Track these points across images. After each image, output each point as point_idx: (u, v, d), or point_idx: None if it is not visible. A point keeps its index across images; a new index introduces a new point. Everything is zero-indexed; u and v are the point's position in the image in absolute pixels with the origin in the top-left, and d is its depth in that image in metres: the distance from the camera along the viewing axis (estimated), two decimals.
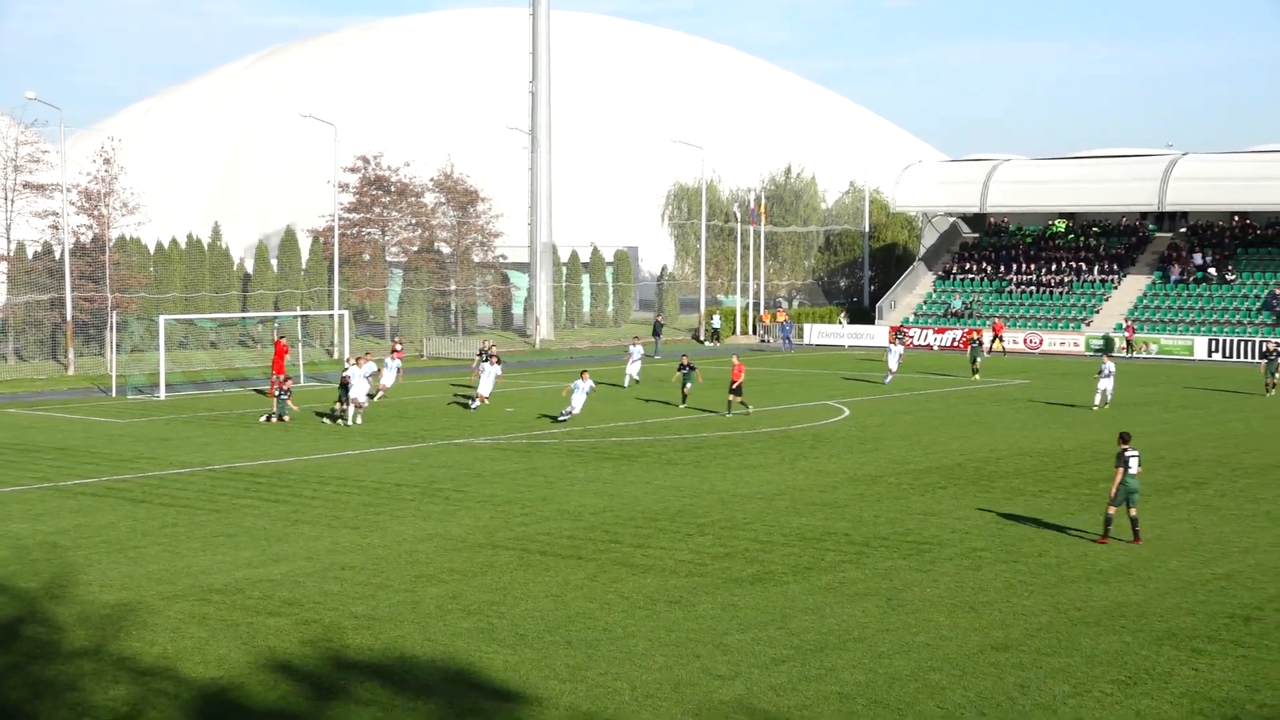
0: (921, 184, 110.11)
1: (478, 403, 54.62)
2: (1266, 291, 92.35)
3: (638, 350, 66.04)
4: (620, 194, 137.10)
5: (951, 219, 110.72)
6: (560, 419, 50.34)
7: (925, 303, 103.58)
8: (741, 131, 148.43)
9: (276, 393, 52.10)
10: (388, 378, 58.34)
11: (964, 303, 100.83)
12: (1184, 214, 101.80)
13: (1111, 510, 29.80)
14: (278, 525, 31.56)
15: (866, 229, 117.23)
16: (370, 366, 52.35)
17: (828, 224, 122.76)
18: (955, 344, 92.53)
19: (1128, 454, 29.66)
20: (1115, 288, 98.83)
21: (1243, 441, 46.38)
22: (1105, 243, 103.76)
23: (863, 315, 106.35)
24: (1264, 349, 65.33)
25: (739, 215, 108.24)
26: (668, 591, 25.39)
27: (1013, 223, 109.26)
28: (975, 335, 76.79)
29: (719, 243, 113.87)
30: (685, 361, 56.52)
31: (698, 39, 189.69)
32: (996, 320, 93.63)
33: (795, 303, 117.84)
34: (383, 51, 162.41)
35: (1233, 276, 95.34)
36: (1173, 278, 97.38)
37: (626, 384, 63.13)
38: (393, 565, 27.46)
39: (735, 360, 54.21)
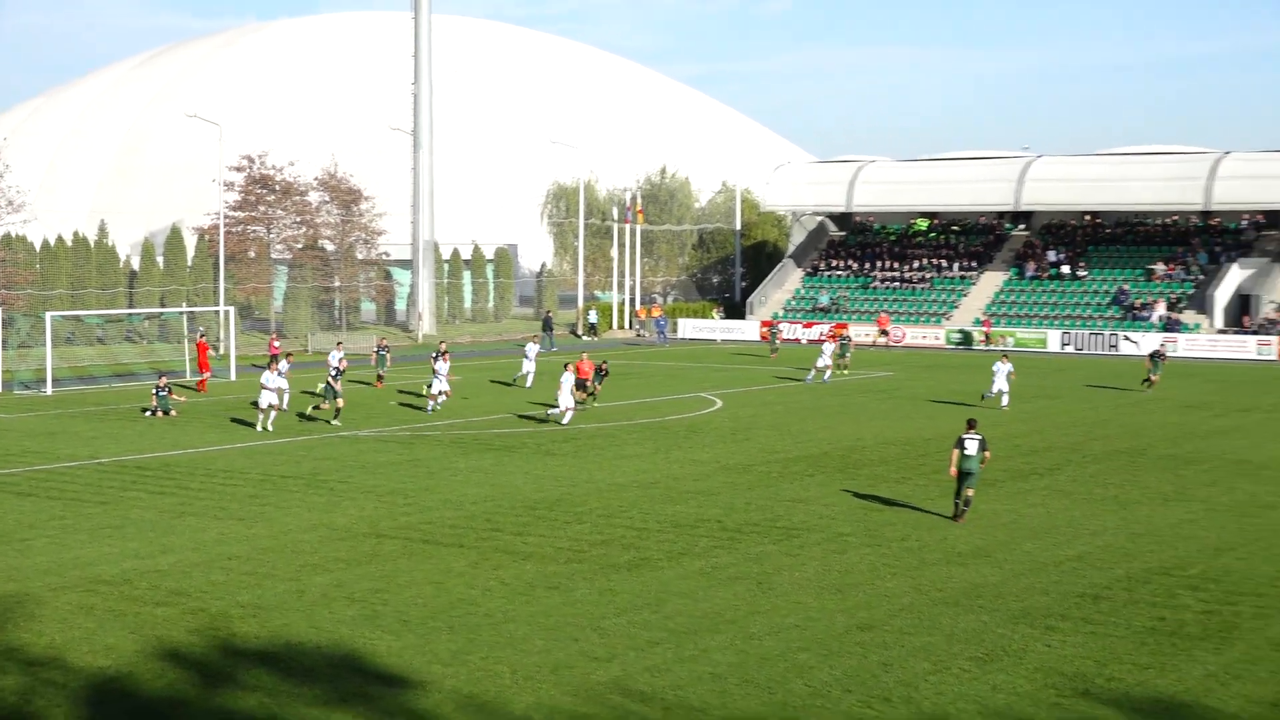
0: (790, 184, 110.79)
1: (434, 402, 51.26)
2: (1116, 287, 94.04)
3: (534, 349, 63.53)
4: (501, 193, 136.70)
5: (819, 218, 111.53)
6: (550, 416, 48.54)
7: (794, 298, 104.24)
8: (618, 133, 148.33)
9: (155, 390, 51.36)
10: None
11: (831, 298, 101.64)
12: (1033, 213, 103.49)
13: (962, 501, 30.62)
14: (165, 517, 31.15)
15: (738, 227, 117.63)
16: (284, 366, 50.01)
17: (701, 223, 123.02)
18: (823, 338, 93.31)
19: (964, 438, 30.59)
20: (974, 283, 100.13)
21: (1093, 429, 47.24)
22: (964, 240, 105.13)
23: (735, 310, 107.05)
24: (1151, 349, 65.14)
25: (616, 214, 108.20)
26: (547, 578, 25.41)
27: (877, 221, 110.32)
28: (841, 330, 77.30)
29: (596, 240, 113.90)
30: (603, 366, 54.93)
31: (575, 43, 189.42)
32: (882, 314, 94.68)
33: (670, 298, 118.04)
34: (269, 53, 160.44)
35: (1084, 273, 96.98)
36: (1028, 274, 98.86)
37: (529, 383, 60.70)
38: (278, 555, 27.23)
39: (584, 357, 54.05)
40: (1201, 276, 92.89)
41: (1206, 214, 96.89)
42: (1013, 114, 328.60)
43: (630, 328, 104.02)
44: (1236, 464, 39.73)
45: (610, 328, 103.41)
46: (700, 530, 29.79)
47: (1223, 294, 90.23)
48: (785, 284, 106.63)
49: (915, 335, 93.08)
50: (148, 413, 50.43)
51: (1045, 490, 35.07)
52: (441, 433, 45.87)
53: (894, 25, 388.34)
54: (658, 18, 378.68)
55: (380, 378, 60.45)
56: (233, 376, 63.16)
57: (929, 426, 47.79)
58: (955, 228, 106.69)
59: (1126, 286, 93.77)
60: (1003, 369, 53.52)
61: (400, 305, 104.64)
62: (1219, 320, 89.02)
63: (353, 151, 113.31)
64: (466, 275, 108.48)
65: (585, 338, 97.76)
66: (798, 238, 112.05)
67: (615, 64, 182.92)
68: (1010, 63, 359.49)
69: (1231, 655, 20.86)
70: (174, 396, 51.52)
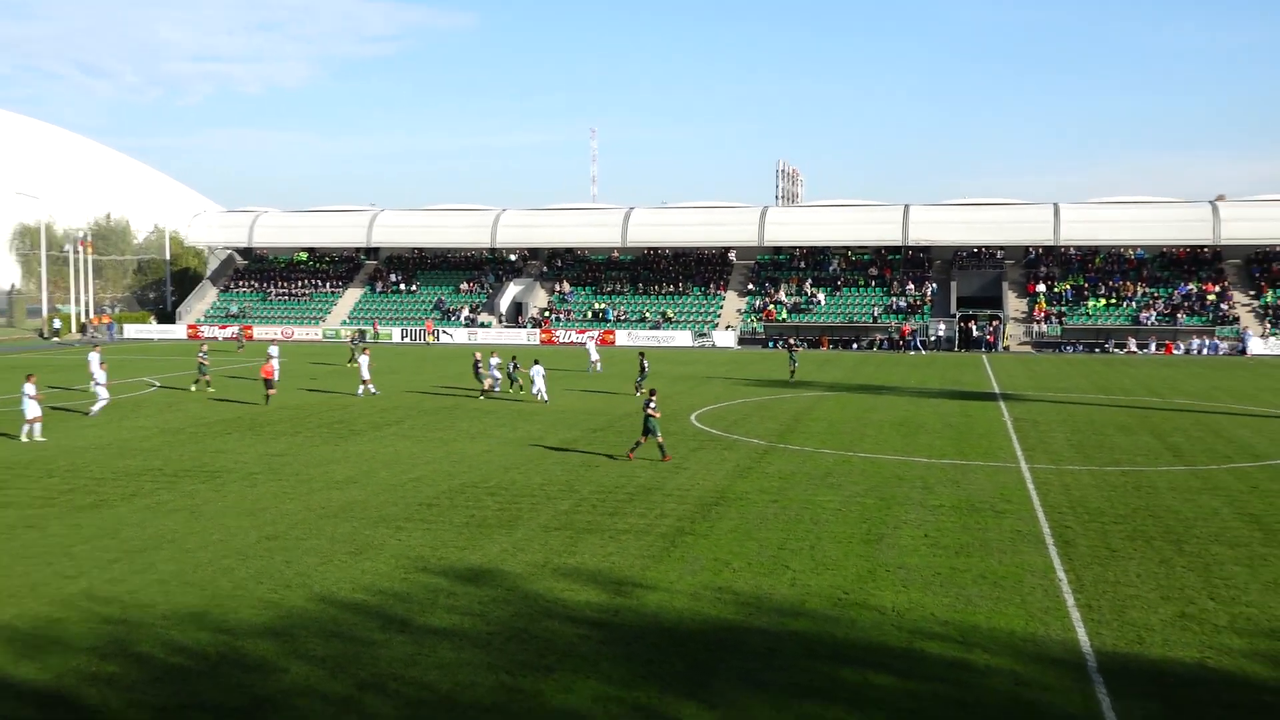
0: (206, 227, 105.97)
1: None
2: (436, 298, 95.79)
3: (96, 357, 54.58)
4: None
5: (229, 251, 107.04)
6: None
7: (212, 309, 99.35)
8: (73, 187, 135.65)
9: None
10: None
11: (239, 308, 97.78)
12: (380, 248, 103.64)
13: (642, 440, 30.10)
14: None
15: (168, 258, 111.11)
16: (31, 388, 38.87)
17: (139, 254, 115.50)
18: (233, 338, 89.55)
19: (649, 403, 30.22)
20: (340, 297, 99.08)
21: (425, 392, 47.68)
22: (333, 267, 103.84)
23: (167, 318, 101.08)
24: (786, 343, 58.32)
25: (72, 248, 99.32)
26: (25, 520, 22.97)
27: (271, 254, 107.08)
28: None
29: (57, 267, 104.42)
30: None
31: (34, 120, 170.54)
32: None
33: (117, 309, 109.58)
34: None
35: (415, 289, 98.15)
36: (378, 290, 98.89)
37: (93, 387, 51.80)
38: None
39: (271, 360, 47.14)
40: (492, 290, 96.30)
41: (493, 250, 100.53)
42: (365, 177, 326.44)
43: (85, 332, 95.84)
44: (516, 411, 41.44)
45: (70, 331, 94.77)
46: (146, 477, 27.83)
47: (505, 302, 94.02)
48: (205, 298, 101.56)
49: (302, 333, 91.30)
50: None
51: (395, 435, 35.23)
52: None
53: (277, 114, 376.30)
54: (100, 103, 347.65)
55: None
56: None
57: (313, 396, 46.82)
58: (327, 259, 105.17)
59: (443, 298, 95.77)
60: (538, 370, 44.54)
61: None
62: (504, 319, 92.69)
63: None
64: None
65: (53, 340, 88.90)
66: (213, 265, 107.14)
67: (69, 136, 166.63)
68: (361, 143, 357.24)
69: (517, 536, 21.78)
70: None
